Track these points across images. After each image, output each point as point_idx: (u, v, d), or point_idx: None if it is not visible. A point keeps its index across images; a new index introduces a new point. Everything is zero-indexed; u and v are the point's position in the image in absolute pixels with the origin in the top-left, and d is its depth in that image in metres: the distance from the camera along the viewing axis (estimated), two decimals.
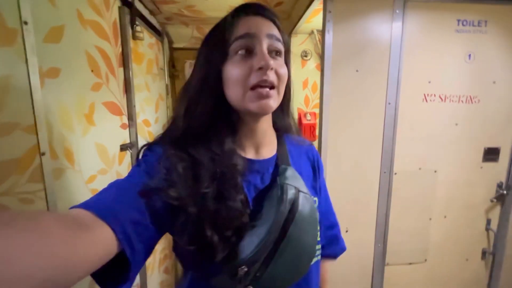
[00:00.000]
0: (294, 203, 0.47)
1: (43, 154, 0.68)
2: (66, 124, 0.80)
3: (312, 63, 1.79)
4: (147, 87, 1.53)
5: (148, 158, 0.48)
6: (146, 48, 1.52)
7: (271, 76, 0.46)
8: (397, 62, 1.10)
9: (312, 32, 1.67)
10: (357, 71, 1.10)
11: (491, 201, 1.28)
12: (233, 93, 0.48)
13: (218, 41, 0.48)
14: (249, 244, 0.44)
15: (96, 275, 0.35)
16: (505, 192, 1.27)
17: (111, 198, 0.39)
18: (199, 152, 0.47)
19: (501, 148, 1.24)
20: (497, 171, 1.27)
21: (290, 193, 0.47)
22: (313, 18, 1.46)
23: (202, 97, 0.49)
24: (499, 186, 1.28)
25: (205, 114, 0.49)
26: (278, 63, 0.48)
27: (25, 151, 0.64)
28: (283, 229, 0.45)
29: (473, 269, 1.35)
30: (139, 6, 1.35)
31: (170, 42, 1.99)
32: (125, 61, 1.20)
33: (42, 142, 0.68)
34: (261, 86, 0.46)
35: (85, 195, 0.90)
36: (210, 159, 0.47)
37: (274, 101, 0.48)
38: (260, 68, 0.45)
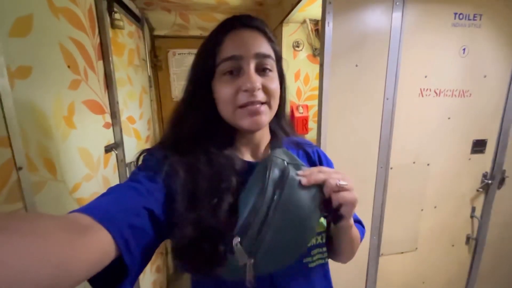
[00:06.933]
0: (284, 171, 0.43)
1: (20, 168, 0.59)
2: (43, 131, 0.70)
3: (304, 53, 1.73)
4: (129, 80, 1.41)
5: (148, 162, 0.49)
6: (126, 38, 1.39)
7: (259, 96, 0.46)
8: (396, 56, 1.08)
9: (305, 21, 1.60)
10: (356, 65, 1.06)
11: (477, 190, 1.35)
12: (223, 110, 0.49)
13: (206, 60, 0.48)
14: (241, 214, 0.42)
15: (95, 281, 0.35)
16: (489, 181, 1.33)
17: (110, 202, 0.38)
18: (199, 156, 0.48)
19: (488, 140, 1.29)
20: (483, 162, 1.32)
21: (279, 162, 0.44)
22: (307, 7, 1.39)
23: (191, 111, 0.50)
24: (484, 176, 1.34)
25: (195, 126, 0.50)
26: (268, 79, 0.48)
27: None
28: (274, 192, 0.41)
29: (458, 253, 1.43)
30: None
31: (151, 30, 1.84)
32: (104, 53, 1.07)
33: (17, 155, 0.59)
34: (251, 103, 0.46)
35: (71, 207, 0.81)
36: (208, 161, 0.47)
37: (266, 116, 0.49)
38: (246, 90, 0.45)
